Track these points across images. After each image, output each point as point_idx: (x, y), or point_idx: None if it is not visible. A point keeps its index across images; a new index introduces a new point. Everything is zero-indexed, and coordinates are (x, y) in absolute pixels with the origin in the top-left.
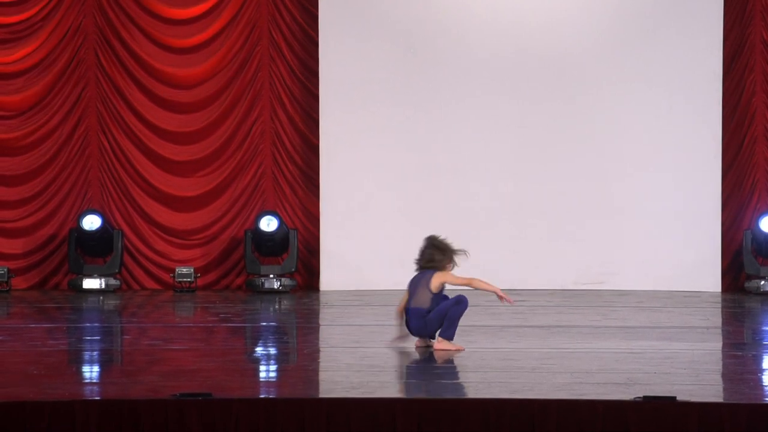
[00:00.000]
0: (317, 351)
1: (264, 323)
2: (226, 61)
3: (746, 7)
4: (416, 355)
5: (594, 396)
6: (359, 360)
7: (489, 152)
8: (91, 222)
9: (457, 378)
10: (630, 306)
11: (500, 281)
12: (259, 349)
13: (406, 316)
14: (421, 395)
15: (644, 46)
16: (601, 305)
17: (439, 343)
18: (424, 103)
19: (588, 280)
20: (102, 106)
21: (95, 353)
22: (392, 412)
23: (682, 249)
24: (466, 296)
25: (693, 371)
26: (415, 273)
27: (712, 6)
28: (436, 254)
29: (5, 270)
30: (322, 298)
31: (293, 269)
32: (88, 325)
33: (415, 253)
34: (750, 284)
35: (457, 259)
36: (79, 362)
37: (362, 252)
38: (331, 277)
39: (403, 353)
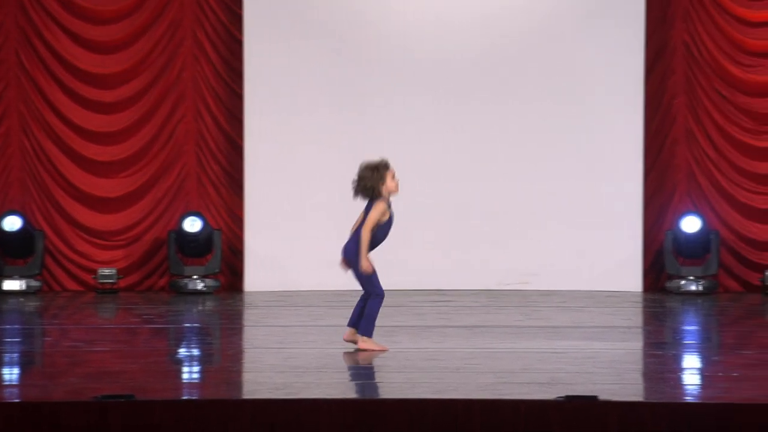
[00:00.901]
0: (241, 352)
1: (187, 324)
2: (150, 61)
3: (668, 9)
4: (340, 356)
5: (517, 396)
6: (283, 361)
7: (415, 153)
8: (12, 223)
9: (382, 378)
10: (553, 306)
11: (426, 282)
12: (182, 351)
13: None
14: (345, 396)
15: (568, 47)
16: (525, 305)
17: (363, 343)
18: (349, 102)
19: (512, 281)
20: (24, 107)
21: (15, 355)
22: (316, 413)
23: (605, 249)
24: (383, 290)
25: (614, 371)
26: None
27: (634, 7)
28: (366, 175)
29: None
30: (246, 300)
31: (217, 270)
32: (8, 327)
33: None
34: (671, 284)
35: (390, 173)
36: None
37: (286, 253)
38: (256, 277)
39: (327, 355)
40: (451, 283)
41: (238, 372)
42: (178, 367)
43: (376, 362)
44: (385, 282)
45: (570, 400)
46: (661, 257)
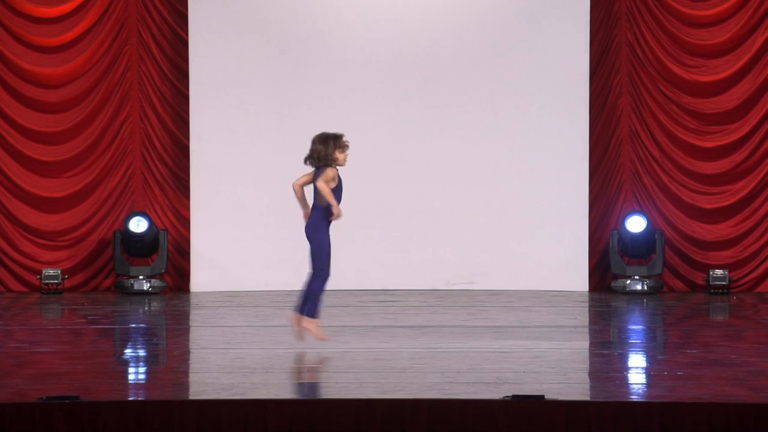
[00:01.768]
0: (187, 353)
1: (133, 325)
2: (94, 60)
3: (612, 9)
4: (287, 357)
5: (464, 395)
6: (230, 361)
7: (361, 153)
8: None
9: (329, 378)
10: (500, 306)
11: (372, 281)
12: (128, 351)
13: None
14: (292, 396)
15: (512, 47)
16: (472, 305)
17: (307, 322)
18: (296, 103)
19: (459, 281)
20: None
21: None
22: (263, 414)
23: (551, 249)
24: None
25: (561, 370)
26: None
27: (579, 7)
28: (319, 147)
29: None
30: (193, 300)
31: (163, 270)
32: None
33: (287, 255)
34: (616, 284)
35: (342, 144)
36: None
37: (233, 253)
38: (202, 278)
39: (274, 355)
40: (399, 283)
41: (184, 373)
42: (124, 368)
43: (324, 362)
44: (332, 282)
45: (517, 399)
46: (607, 257)
